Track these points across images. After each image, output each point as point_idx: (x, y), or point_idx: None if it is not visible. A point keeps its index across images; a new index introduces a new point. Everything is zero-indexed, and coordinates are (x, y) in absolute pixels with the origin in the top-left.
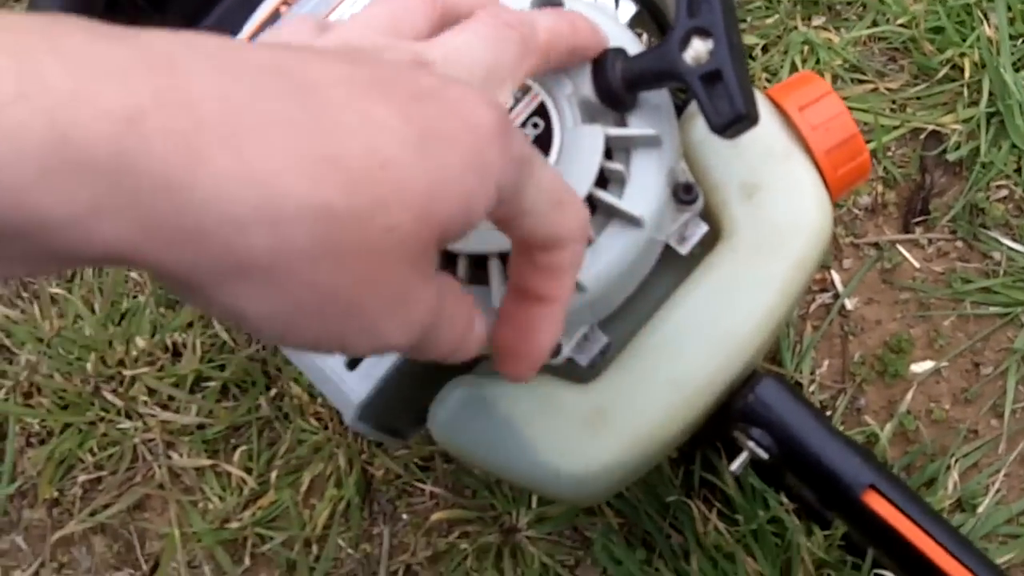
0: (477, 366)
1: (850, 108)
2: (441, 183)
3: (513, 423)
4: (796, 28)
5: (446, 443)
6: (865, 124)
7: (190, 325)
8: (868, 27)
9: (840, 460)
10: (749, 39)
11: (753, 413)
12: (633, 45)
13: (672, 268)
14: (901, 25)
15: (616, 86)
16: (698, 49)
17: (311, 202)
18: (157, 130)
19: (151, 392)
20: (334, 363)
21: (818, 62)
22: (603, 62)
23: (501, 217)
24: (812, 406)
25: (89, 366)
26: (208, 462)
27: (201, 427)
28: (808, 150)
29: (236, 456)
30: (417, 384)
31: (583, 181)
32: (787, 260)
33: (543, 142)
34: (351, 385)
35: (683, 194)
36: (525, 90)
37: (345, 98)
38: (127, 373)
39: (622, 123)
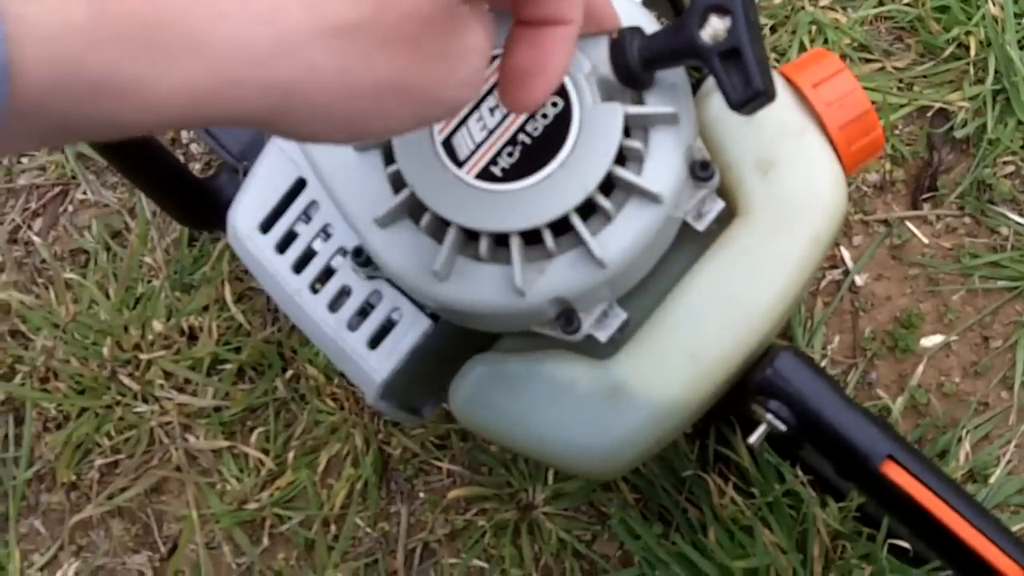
0: (497, 343)
1: None
2: None
3: (533, 399)
4: (804, 8)
5: (467, 419)
6: (873, 103)
7: (206, 308)
8: (875, 6)
9: (858, 431)
10: None
11: (772, 386)
12: (649, 24)
13: (689, 244)
14: (907, 4)
15: (634, 64)
16: (716, 27)
17: (319, 25)
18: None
19: (167, 376)
20: (355, 342)
21: (826, 42)
22: (621, 41)
23: None
24: (830, 378)
25: (105, 350)
26: (225, 444)
27: (218, 409)
28: (822, 126)
29: (253, 438)
30: (439, 360)
31: (603, 159)
32: (802, 235)
33: (563, 120)
34: (373, 364)
35: (700, 171)
36: None
37: None
38: (143, 357)
39: (640, 102)
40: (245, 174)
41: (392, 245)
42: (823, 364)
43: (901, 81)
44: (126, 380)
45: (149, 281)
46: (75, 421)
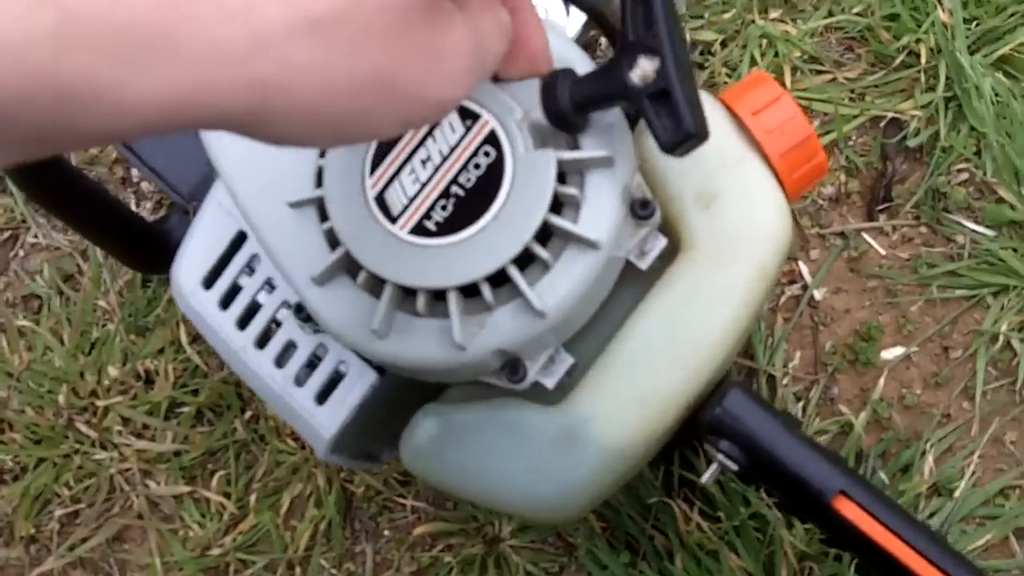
0: (446, 392)
1: (809, 99)
2: None
3: (484, 449)
4: (754, 22)
5: (419, 472)
6: (825, 114)
7: (161, 351)
8: (825, 17)
9: (809, 467)
10: (707, 35)
11: (721, 425)
12: (582, 63)
13: (634, 282)
14: (857, 14)
15: (565, 108)
16: (645, 68)
17: (293, 19)
18: (142, 1)
19: (125, 421)
20: (302, 398)
21: (776, 55)
22: (552, 84)
23: None
24: (780, 413)
25: (61, 398)
26: (186, 489)
27: (177, 454)
28: (763, 154)
29: (214, 481)
30: (390, 410)
31: (537, 208)
32: (747, 268)
33: (495, 170)
34: (321, 420)
35: (640, 210)
36: (475, 118)
37: None
38: (100, 403)
39: (575, 144)
40: (195, 214)
41: (330, 303)
42: (784, 381)
43: (853, 91)
44: (83, 428)
45: (104, 325)
46: (32, 472)
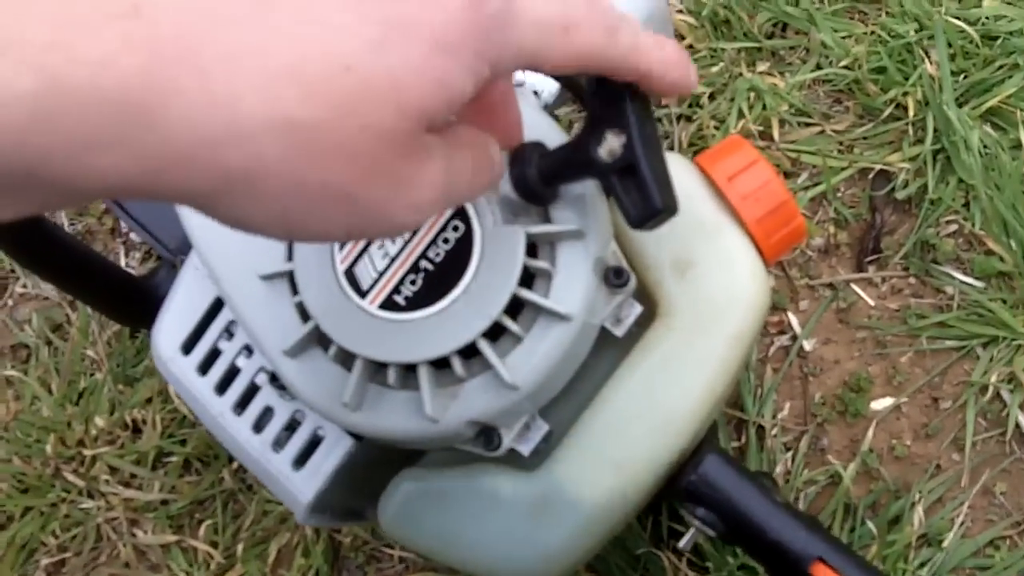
0: (424, 457)
1: (798, 151)
2: (407, 74)
3: (460, 515)
4: (741, 75)
5: (397, 537)
6: (814, 166)
7: (149, 401)
8: (812, 70)
9: (787, 534)
10: (695, 88)
11: (697, 493)
12: (553, 133)
13: (611, 349)
14: (844, 67)
15: (534, 183)
16: (612, 144)
17: (271, 117)
18: (129, 70)
19: (113, 471)
20: (280, 463)
21: (764, 107)
22: (521, 158)
23: (526, 67)
24: (757, 478)
25: (48, 448)
26: (173, 538)
27: (165, 503)
28: (740, 220)
29: (201, 531)
30: (369, 472)
31: (506, 282)
32: (724, 336)
33: (464, 244)
34: (298, 485)
35: (614, 278)
36: None
37: (303, 6)
38: (87, 453)
39: (546, 216)
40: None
41: (303, 375)
42: (774, 432)
43: (841, 144)
44: (71, 477)
45: (92, 375)
46: (19, 521)
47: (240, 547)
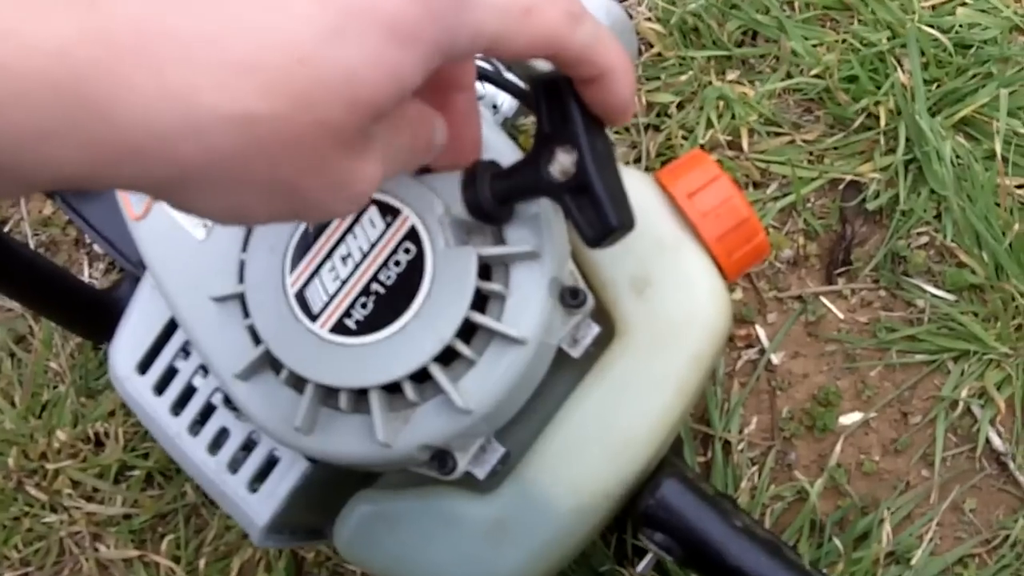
0: (380, 478)
1: (767, 161)
2: (361, 67)
3: (416, 538)
4: (711, 83)
5: (353, 560)
6: (783, 177)
7: (111, 414)
8: (782, 79)
9: (746, 559)
10: (664, 97)
11: (655, 517)
12: (507, 150)
13: (568, 369)
14: (815, 76)
15: (487, 203)
16: (563, 162)
17: (230, 111)
18: (83, 61)
19: (75, 484)
20: (235, 485)
21: (734, 117)
22: (473, 178)
23: (484, 52)
24: (717, 501)
25: (11, 461)
26: (136, 553)
27: (127, 517)
28: (700, 238)
29: (164, 545)
30: (325, 494)
31: (458, 306)
32: (682, 356)
33: (416, 268)
34: (254, 507)
35: (570, 299)
36: (395, 213)
37: None
38: (50, 466)
39: (499, 237)
40: None
41: (255, 398)
42: (740, 447)
43: (811, 154)
44: (33, 490)
45: (55, 387)
46: None
47: (202, 562)
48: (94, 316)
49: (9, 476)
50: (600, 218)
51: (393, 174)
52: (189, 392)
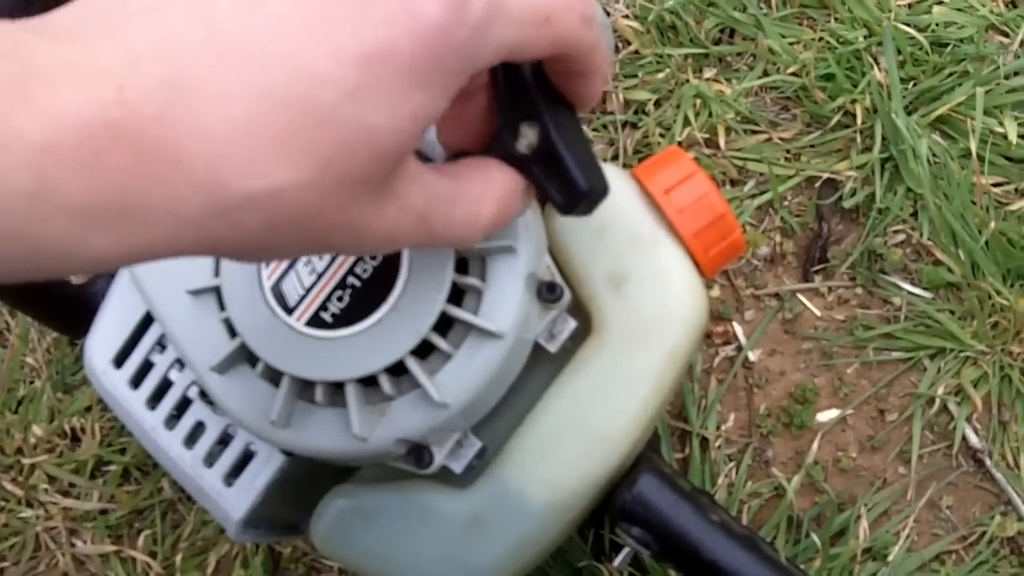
0: (357, 472)
1: (744, 159)
2: (381, 121)
3: (393, 533)
4: (688, 81)
5: (329, 555)
6: (760, 174)
7: (88, 409)
8: (759, 77)
9: (723, 555)
10: (641, 94)
11: (632, 512)
12: None
13: (545, 364)
14: (792, 74)
15: None
16: (528, 136)
17: (255, 190)
18: (115, 171)
19: (51, 479)
20: (211, 479)
21: (711, 114)
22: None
23: (502, 61)
24: (694, 496)
25: None
26: (112, 548)
27: (104, 512)
28: (676, 234)
29: (140, 541)
30: (302, 488)
31: (435, 299)
32: (659, 352)
33: (391, 260)
34: (230, 501)
35: (547, 294)
36: None
37: (279, 49)
38: (26, 461)
39: None
40: None
41: (231, 391)
42: (718, 444)
43: (788, 152)
44: (9, 485)
45: (31, 382)
46: None
47: (179, 557)
48: (69, 311)
49: None
50: (570, 185)
51: (441, 232)
52: (165, 386)
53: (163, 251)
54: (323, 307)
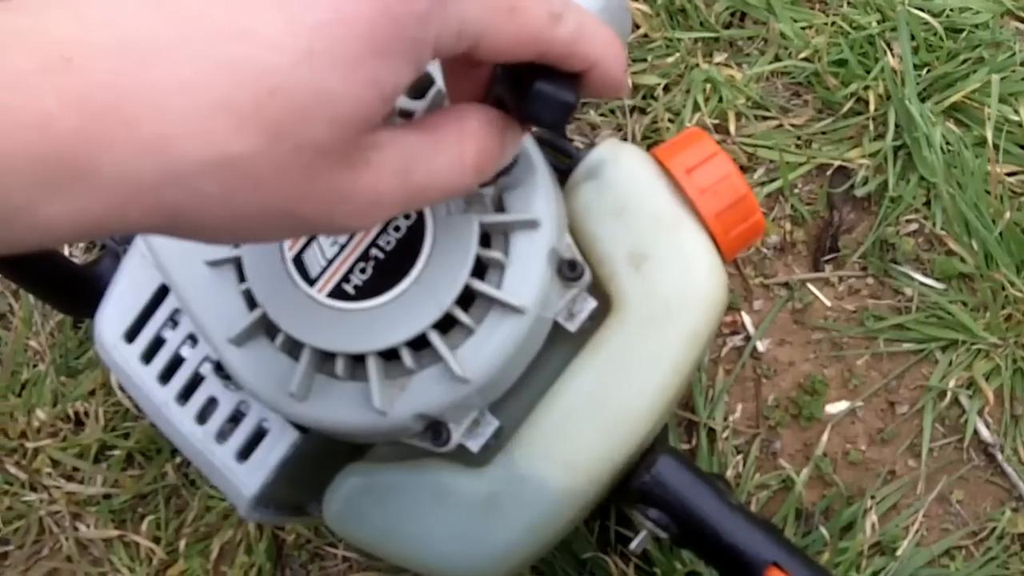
0: (371, 450)
1: (755, 145)
2: (336, 85)
3: (408, 512)
4: (698, 66)
5: (341, 533)
6: (771, 161)
7: (92, 393)
8: (771, 62)
9: (741, 538)
10: (650, 79)
11: (650, 494)
12: None
13: (564, 343)
14: (804, 59)
15: None
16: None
17: (206, 156)
18: (64, 132)
19: (55, 463)
20: (223, 455)
21: (721, 100)
22: None
23: (468, 49)
24: (712, 480)
25: None
26: (116, 533)
27: (107, 497)
28: (698, 214)
29: (144, 526)
30: (314, 466)
31: (458, 272)
32: (679, 332)
33: (416, 233)
34: (242, 478)
35: (568, 271)
36: None
37: (232, 17)
38: (30, 445)
39: (500, 206)
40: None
41: (248, 364)
42: (725, 435)
43: (799, 139)
44: (13, 469)
45: (35, 366)
46: None
47: (183, 543)
48: (74, 291)
49: None
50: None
51: (422, 192)
52: (177, 362)
53: (119, 221)
54: (345, 279)
